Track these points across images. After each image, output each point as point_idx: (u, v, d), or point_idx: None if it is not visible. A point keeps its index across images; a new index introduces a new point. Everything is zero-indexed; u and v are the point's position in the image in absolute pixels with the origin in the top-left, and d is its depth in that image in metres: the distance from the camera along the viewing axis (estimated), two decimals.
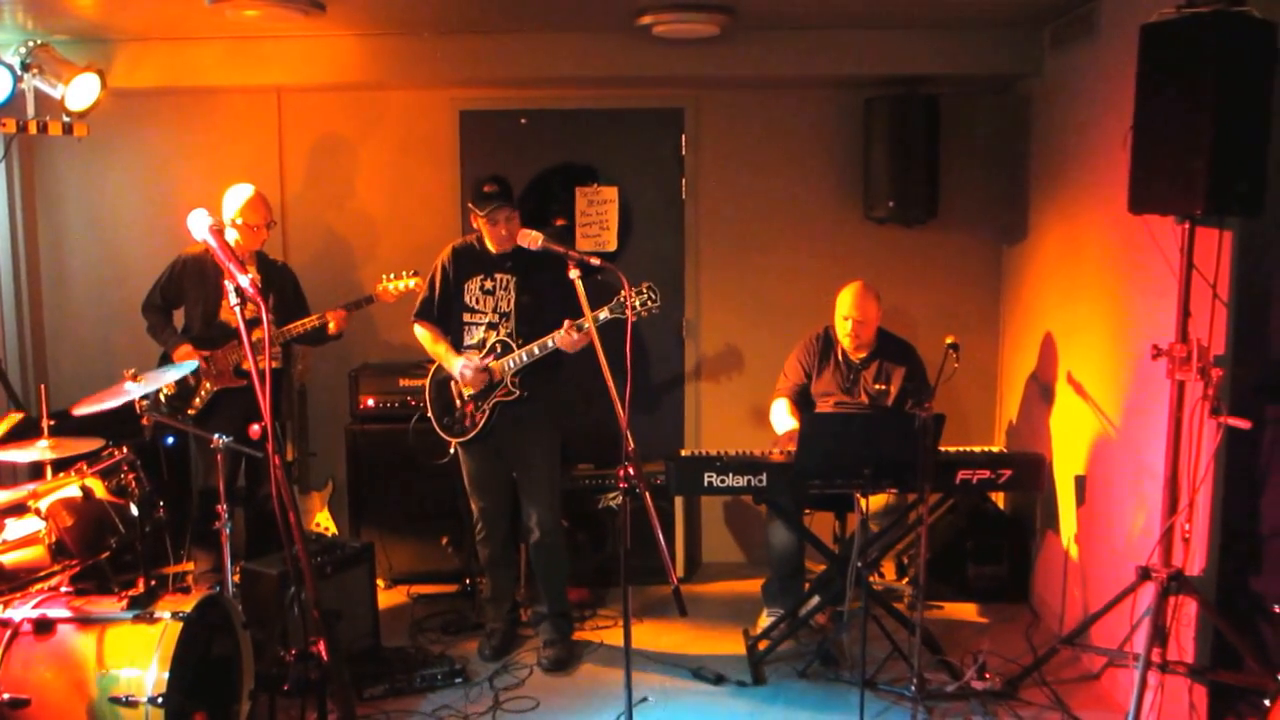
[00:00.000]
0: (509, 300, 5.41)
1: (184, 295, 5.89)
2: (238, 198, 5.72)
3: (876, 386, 5.83)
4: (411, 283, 5.91)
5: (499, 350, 5.38)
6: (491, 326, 5.43)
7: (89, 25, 6.02)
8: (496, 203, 5.28)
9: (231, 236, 5.65)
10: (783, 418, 5.80)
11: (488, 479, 5.60)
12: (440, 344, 5.52)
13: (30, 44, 5.38)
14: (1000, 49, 6.26)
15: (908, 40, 6.24)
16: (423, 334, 5.59)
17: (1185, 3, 4.13)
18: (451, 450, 5.60)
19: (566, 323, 5.14)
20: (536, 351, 5.27)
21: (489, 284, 5.46)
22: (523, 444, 5.49)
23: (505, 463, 5.58)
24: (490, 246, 5.43)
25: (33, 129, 5.43)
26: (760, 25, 6.13)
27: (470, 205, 5.39)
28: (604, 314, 5.00)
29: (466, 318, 5.48)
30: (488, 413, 5.41)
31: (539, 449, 5.52)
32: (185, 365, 5.44)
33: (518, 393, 5.38)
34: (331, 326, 5.82)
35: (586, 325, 4.54)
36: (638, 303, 5.09)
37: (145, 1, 5.53)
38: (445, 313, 5.56)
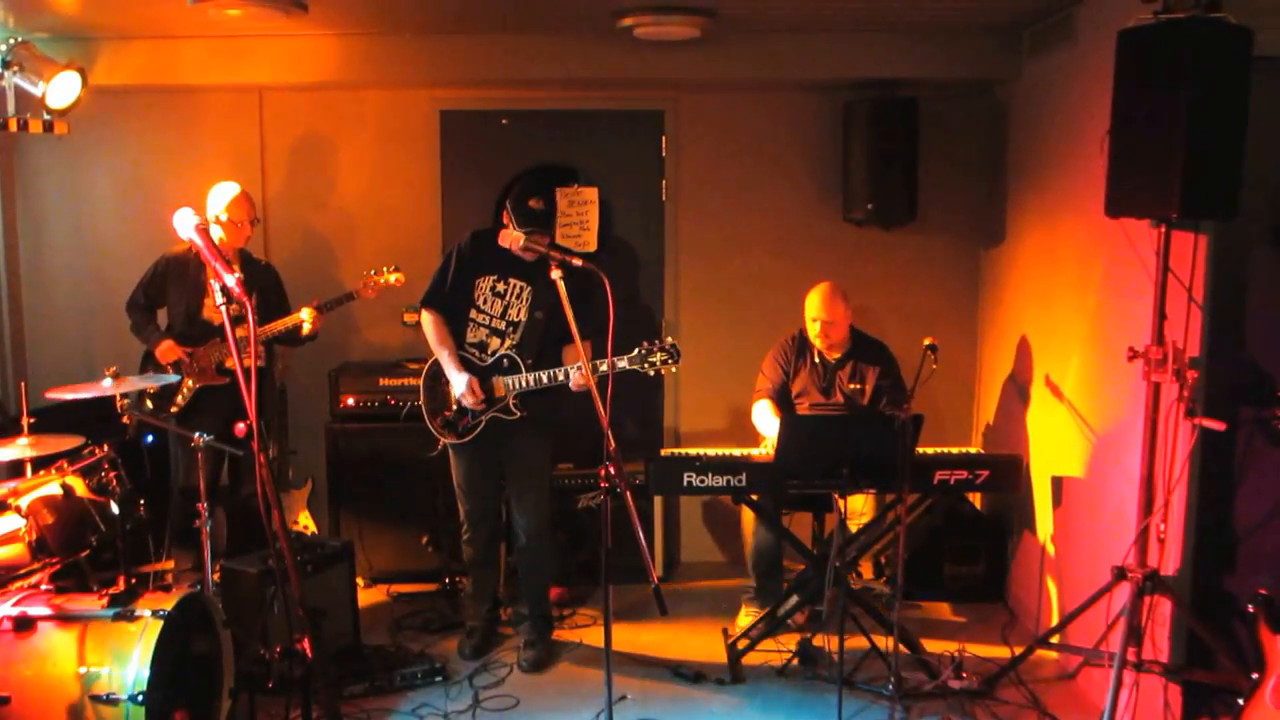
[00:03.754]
0: (519, 310, 5.34)
1: (167, 294, 5.91)
2: (224, 194, 5.76)
3: (851, 386, 5.87)
4: (393, 278, 5.93)
5: (506, 365, 5.32)
6: (496, 333, 5.37)
7: (70, 23, 6.01)
8: (538, 230, 5.19)
9: (216, 233, 5.70)
10: (768, 419, 5.82)
11: (477, 481, 5.58)
12: (445, 346, 5.38)
13: (11, 41, 5.35)
14: (979, 53, 6.30)
15: (887, 44, 6.28)
16: (428, 324, 5.45)
17: (1162, 9, 4.16)
18: (440, 446, 5.59)
19: (579, 352, 4.76)
20: (545, 380, 5.21)
21: (501, 286, 5.38)
22: (516, 451, 5.47)
23: (496, 466, 5.56)
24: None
25: (13, 126, 5.40)
26: (741, 28, 6.15)
27: (508, 207, 5.25)
28: (623, 363, 4.94)
29: (472, 314, 5.40)
30: (483, 423, 5.37)
31: (532, 458, 5.51)
32: (166, 376, 5.47)
33: (517, 414, 5.33)
34: (307, 328, 5.82)
35: (602, 369, 4.55)
36: (657, 359, 4.98)
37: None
38: (452, 301, 5.44)
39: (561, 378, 5.16)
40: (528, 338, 5.34)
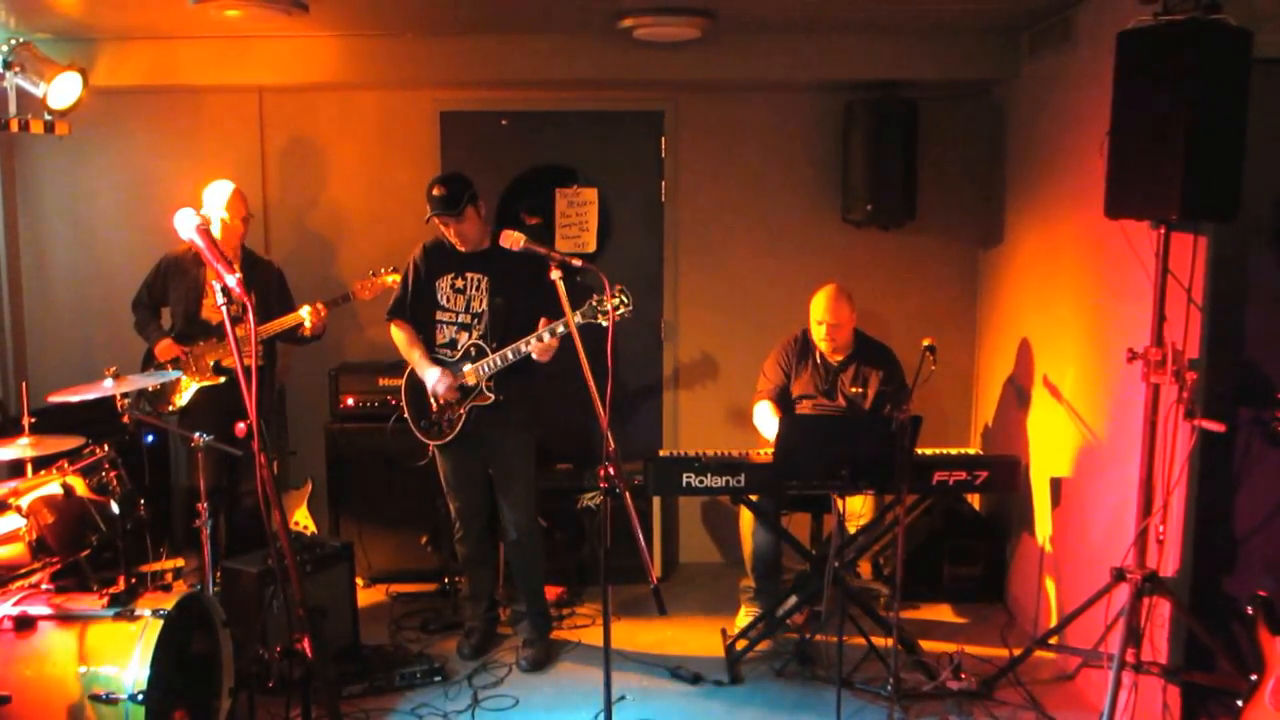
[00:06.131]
0: (481, 301, 5.39)
1: (168, 293, 5.91)
2: (220, 193, 5.76)
3: (854, 389, 5.87)
4: (390, 280, 5.94)
5: (473, 354, 5.36)
6: (463, 328, 5.41)
7: (71, 24, 6.00)
8: (437, 210, 5.28)
9: (214, 231, 5.69)
10: (769, 420, 5.82)
11: (464, 479, 5.60)
12: (414, 350, 5.48)
13: (12, 42, 5.36)
14: (978, 54, 6.30)
15: (887, 45, 6.28)
16: (397, 335, 5.57)
17: (1162, 10, 4.17)
18: (430, 452, 5.61)
19: (543, 321, 5.16)
20: (510, 356, 5.24)
21: (459, 282, 5.44)
22: (499, 445, 5.50)
23: (481, 463, 5.59)
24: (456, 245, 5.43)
25: (14, 127, 5.41)
26: (740, 29, 6.15)
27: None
28: (577, 319, 4.80)
29: (438, 315, 5.46)
30: (464, 416, 5.40)
31: (515, 450, 5.53)
32: (166, 374, 5.47)
33: (493, 397, 5.36)
34: (306, 327, 5.82)
35: (560, 330, 4.54)
36: (609, 306, 4.91)
37: (128, 0, 5.53)
38: (418, 311, 5.52)
39: (525, 349, 5.18)
40: (492, 325, 5.37)
